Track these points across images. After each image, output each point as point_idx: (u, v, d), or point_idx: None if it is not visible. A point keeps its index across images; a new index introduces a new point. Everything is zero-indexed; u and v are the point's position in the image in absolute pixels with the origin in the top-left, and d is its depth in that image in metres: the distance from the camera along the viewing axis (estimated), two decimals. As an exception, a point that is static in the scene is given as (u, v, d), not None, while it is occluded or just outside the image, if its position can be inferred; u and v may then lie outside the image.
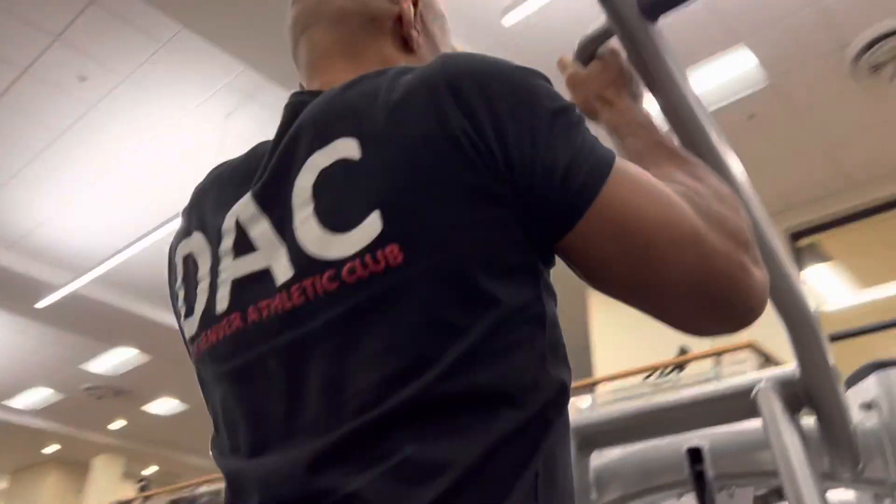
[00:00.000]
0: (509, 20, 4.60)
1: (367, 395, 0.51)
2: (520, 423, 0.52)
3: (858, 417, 0.98)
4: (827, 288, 5.75)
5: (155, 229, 5.89)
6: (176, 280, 0.69)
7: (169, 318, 9.12)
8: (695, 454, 1.08)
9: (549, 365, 0.55)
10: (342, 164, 0.56)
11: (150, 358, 9.86)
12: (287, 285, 0.56)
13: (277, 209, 0.59)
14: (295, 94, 0.68)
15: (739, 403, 0.97)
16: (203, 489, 9.42)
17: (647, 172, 0.58)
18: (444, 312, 0.52)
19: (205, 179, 0.71)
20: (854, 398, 0.99)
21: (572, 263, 0.58)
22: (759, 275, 0.58)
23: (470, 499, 0.49)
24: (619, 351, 5.73)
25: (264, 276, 0.58)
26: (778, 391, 0.94)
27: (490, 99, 0.54)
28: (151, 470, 13.84)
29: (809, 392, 0.92)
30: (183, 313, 0.66)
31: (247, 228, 0.60)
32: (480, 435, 0.51)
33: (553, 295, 0.59)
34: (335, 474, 0.51)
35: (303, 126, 0.61)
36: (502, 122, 0.53)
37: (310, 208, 0.56)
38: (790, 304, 0.87)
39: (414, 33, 0.72)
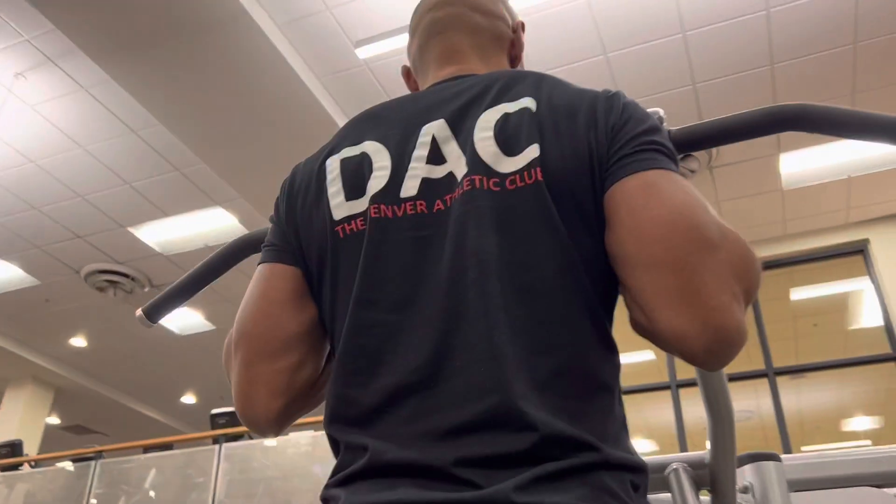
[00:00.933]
0: (363, 53, 4.68)
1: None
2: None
3: (737, 499, 1.18)
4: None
5: None
6: (324, 179, 0.85)
7: None
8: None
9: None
10: (523, 112, 0.79)
11: None
12: (461, 180, 0.76)
13: (464, 133, 0.80)
14: (444, 80, 0.92)
15: (653, 478, 1.13)
16: None
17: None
18: (565, 216, 0.73)
19: (364, 113, 0.91)
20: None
21: (613, 218, 0.74)
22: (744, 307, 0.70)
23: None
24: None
25: (450, 179, 0.78)
26: (688, 472, 1.11)
27: (617, 110, 0.79)
28: None
29: (713, 475, 1.11)
30: (340, 197, 0.82)
31: (441, 144, 0.80)
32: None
33: None
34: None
35: (487, 86, 0.84)
36: (620, 123, 0.77)
37: (490, 133, 0.78)
38: (719, 401, 1.05)
39: (520, 55, 1.02)
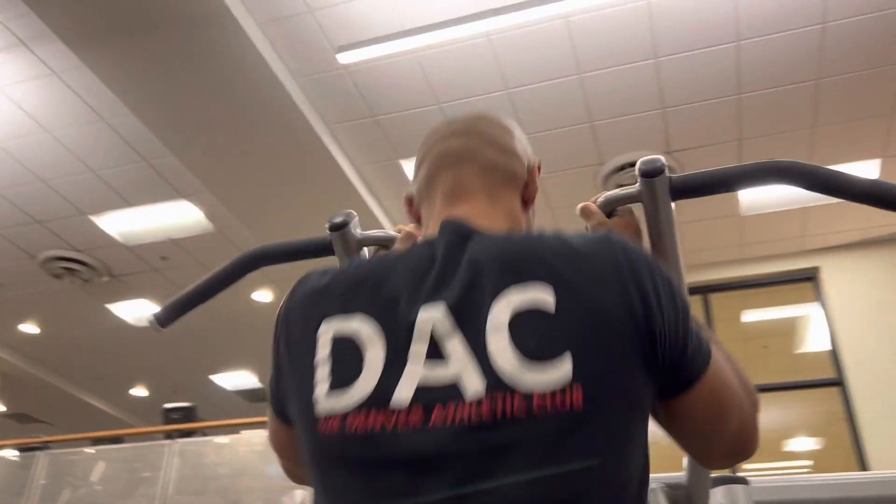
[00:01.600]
0: (344, 58, 4.70)
1: None
2: None
3: (709, 518, 1.26)
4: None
5: None
6: (313, 351, 0.75)
7: None
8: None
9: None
10: (539, 311, 0.68)
11: None
12: (478, 400, 0.66)
13: (472, 328, 0.69)
14: (449, 222, 0.82)
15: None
16: None
17: (718, 352, 0.79)
18: (605, 450, 0.67)
19: (357, 266, 0.81)
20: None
21: (667, 416, 0.77)
22: (756, 426, 0.82)
23: None
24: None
25: (453, 385, 0.67)
26: (666, 492, 1.18)
27: (656, 286, 0.72)
28: None
29: (689, 496, 1.18)
30: (323, 386, 0.73)
31: (441, 340, 0.70)
32: None
33: None
34: None
35: (486, 258, 0.74)
36: (663, 307, 0.72)
37: (505, 337, 0.67)
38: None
39: (534, 197, 0.94)
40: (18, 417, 10.76)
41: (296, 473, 0.92)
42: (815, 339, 6.76)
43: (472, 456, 0.64)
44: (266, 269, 1.29)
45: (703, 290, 6.86)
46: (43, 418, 10.62)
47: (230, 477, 6.86)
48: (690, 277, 6.83)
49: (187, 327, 8.54)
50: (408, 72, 4.91)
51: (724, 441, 0.79)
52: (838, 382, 6.19)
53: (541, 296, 0.69)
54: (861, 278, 6.48)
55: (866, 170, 5.60)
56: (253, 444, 7.02)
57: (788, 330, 7.41)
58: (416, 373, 0.69)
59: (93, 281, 7.46)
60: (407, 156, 5.68)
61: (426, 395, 0.68)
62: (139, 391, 10.51)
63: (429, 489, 0.64)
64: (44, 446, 7.24)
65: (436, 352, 0.70)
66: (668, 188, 0.98)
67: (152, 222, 6.69)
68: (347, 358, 0.73)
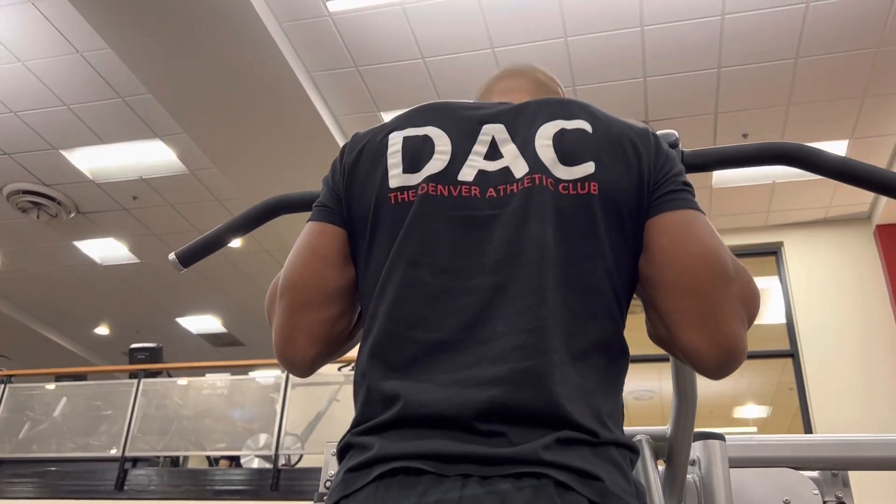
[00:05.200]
0: (334, 5, 4.65)
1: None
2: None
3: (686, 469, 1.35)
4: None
5: None
6: (384, 151, 0.92)
7: None
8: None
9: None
10: (581, 132, 0.89)
11: None
12: (522, 178, 0.86)
13: (524, 138, 0.89)
14: (503, 104, 0.99)
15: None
16: None
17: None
18: (608, 229, 0.84)
19: (430, 104, 0.99)
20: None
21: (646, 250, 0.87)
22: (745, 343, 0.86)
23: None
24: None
25: (505, 173, 0.87)
26: (650, 442, 1.27)
27: (666, 150, 0.93)
28: None
29: (671, 448, 1.27)
30: (398, 169, 0.89)
31: (499, 144, 0.90)
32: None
33: None
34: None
35: (541, 108, 0.93)
36: (668, 161, 0.91)
37: (549, 142, 0.88)
38: (687, 387, 1.21)
39: None
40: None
41: (297, 324, 0.93)
42: (772, 313, 6.99)
43: (514, 213, 0.83)
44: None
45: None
46: (3, 352, 10.52)
47: (194, 419, 6.91)
48: None
49: (154, 269, 8.49)
50: (394, 23, 4.87)
51: (699, 304, 0.80)
52: (791, 354, 6.44)
53: (583, 124, 0.90)
54: (821, 255, 6.70)
55: (834, 149, 5.75)
56: (217, 387, 7.08)
57: (747, 301, 7.63)
58: (476, 164, 0.88)
59: (60, 217, 7.35)
60: (387, 108, 5.66)
61: (484, 179, 0.87)
62: (102, 330, 10.45)
63: (479, 240, 0.83)
64: (5, 380, 7.20)
65: (494, 153, 0.89)
66: (680, 161, 1.04)
67: (124, 161, 6.59)
68: (418, 150, 0.90)
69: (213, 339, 10.40)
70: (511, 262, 0.81)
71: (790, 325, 6.55)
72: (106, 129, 6.18)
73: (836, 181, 1.02)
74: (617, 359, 0.83)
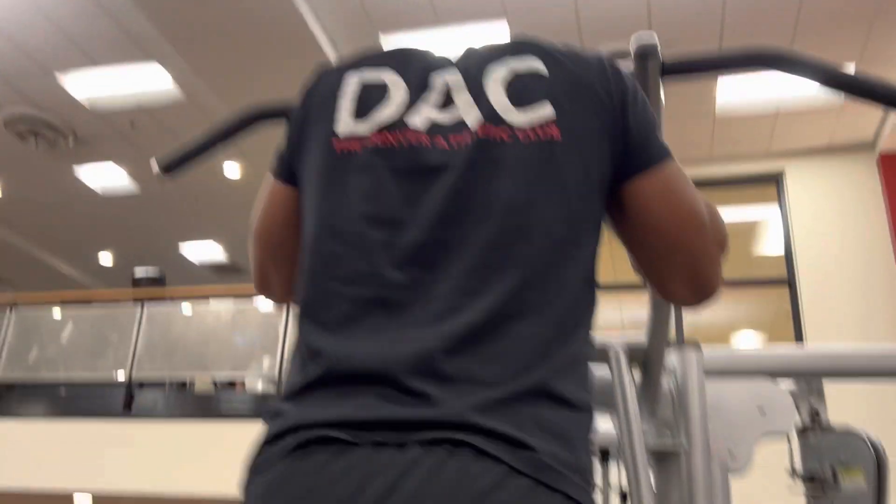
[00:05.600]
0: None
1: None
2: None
3: (662, 378, 1.39)
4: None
5: None
6: (338, 91, 0.88)
7: None
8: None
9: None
10: (531, 73, 0.84)
11: None
12: (475, 128, 0.81)
13: (476, 84, 0.85)
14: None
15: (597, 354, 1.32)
16: None
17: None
18: (573, 176, 0.79)
19: (390, 49, 0.94)
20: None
21: (620, 207, 0.86)
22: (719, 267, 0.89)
23: None
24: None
25: (458, 124, 0.82)
26: (625, 350, 1.30)
27: (634, 88, 0.87)
28: None
29: (647, 356, 1.30)
30: (347, 114, 0.86)
31: (452, 93, 0.85)
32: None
33: None
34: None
35: (491, 51, 0.88)
36: (637, 102, 0.86)
37: (501, 86, 0.83)
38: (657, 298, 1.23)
39: None
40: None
41: (268, 270, 0.97)
42: (772, 243, 7.00)
43: (465, 165, 0.79)
44: (241, 143, 1.34)
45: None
46: (9, 280, 10.64)
47: (198, 344, 7.03)
48: None
49: (157, 196, 8.49)
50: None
51: (683, 260, 0.84)
52: (789, 283, 6.47)
53: (534, 64, 0.84)
54: (823, 184, 6.66)
55: (841, 76, 5.64)
56: (221, 313, 7.17)
57: (748, 232, 7.64)
58: (428, 111, 0.84)
59: (58, 144, 7.31)
60: (386, 30, 5.56)
61: (436, 129, 0.82)
62: (107, 258, 10.53)
63: (427, 194, 0.79)
64: (11, 305, 7.31)
65: (446, 101, 0.84)
66: (659, 65, 1.02)
67: (120, 87, 6.51)
68: (372, 95, 0.86)
69: (215, 268, 10.49)
70: (460, 218, 0.77)
71: (788, 254, 6.56)
72: (100, 51, 6.09)
73: (838, 103, 1.01)
74: (580, 304, 0.79)
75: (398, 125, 0.83)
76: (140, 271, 7.24)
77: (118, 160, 7.81)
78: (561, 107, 0.81)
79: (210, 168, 7.65)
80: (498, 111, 0.81)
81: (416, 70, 0.88)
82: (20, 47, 6.04)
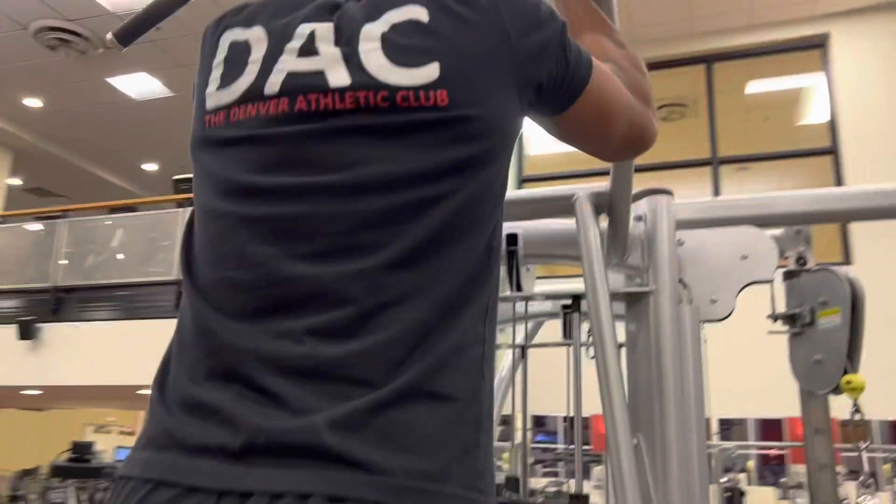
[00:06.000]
0: None
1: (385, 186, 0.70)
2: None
3: (632, 225, 1.39)
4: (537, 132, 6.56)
5: None
6: (213, 57, 0.81)
7: None
8: (511, 238, 1.43)
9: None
10: (413, 22, 0.73)
11: None
12: (341, 90, 0.71)
13: (348, 38, 0.74)
14: None
15: (559, 204, 1.33)
16: None
17: (603, 65, 0.84)
18: (458, 150, 0.71)
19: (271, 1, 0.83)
20: (631, 212, 1.40)
21: (557, 128, 0.85)
22: (654, 120, 0.89)
23: None
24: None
25: (318, 76, 0.72)
26: (591, 198, 1.30)
27: (527, 18, 0.76)
28: None
29: (612, 203, 1.30)
30: (214, 85, 0.78)
31: (316, 40, 0.74)
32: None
33: None
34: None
35: (369, 1, 0.77)
36: (539, 35, 0.76)
37: (377, 43, 0.72)
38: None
39: None
40: (37, 192, 11.15)
41: None
42: (816, 111, 6.73)
43: (333, 139, 0.70)
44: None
45: (707, 59, 6.72)
46: (60, 192, 11.00)
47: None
48: (695, 46, 6.74)
49: (190, 101, 8.54)
50: None
51: (617, 138, 0.86)
52: (832, 151, 6.26)
53: (415, 12, 0.73)
54: (870, 45, 6.31)
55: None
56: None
57: (791, 101, 7.35)
58: (287, 63, 0.74)
59: (88, 53, 7.36)
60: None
61: (293, 82, 0.73)
62: (150, 165, 10.75)
63: (284, 164, 0.71)
64: (63, 215, 7.60)
65: (309, 50, 0.74)
66: None
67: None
68: (237, 59, 0.78)
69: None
70: (316, 195, 0.69)
71: (833, 123, 6.31)
72: (117, -45, 6.02)
73: None
74: (466, 286, 0.71)
75: (255, 93, 0.74)
76: (179, 176, 7.39)
77: (150, 66, 7.84)
78: (447, 60, 0.71)
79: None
80: (373, 73, 0.71)
81: (283, 21, 0.78)
82: (38, -45, 6.00)
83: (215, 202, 0.74)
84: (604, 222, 1.35)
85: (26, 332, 6.66)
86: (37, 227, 7.91)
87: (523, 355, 1.97)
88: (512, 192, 1.44)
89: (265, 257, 0.68)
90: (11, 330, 6.70)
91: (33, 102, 8.76)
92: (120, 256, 7.55)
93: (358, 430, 0.60)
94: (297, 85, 0.72)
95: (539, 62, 0.76)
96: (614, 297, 1.39)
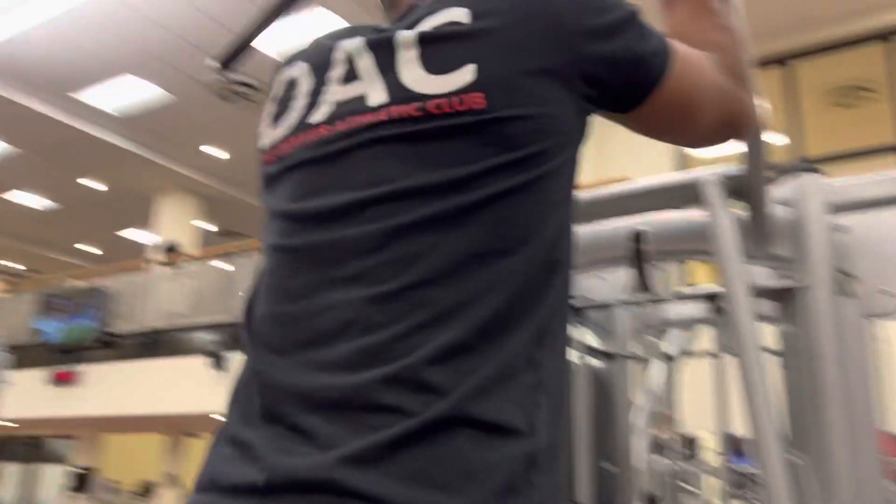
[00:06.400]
0: None
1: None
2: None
3: (776, 210, 1.21)
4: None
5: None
6: (273, 97, 0.79)
7: (44, 108, 8.59)
8: (637, 236, 1.30)
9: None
10: (452, 25, 0.67)
11: (19, 150, 9.32)
12: (377, 108, 0.67)
13: (382, 50, 0.70)
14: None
15: (684, 192, 1.18)
16: (70, 284, 9.46)
17: (688, 50, 0.73)
18: (496, 155, 0.64)
19: (319, 37, 0.81)
20: (775, 196, 1.22)
21: (632, 123, 0.74)
22: (751, 102, 0.77)
23: None
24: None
25: (360, 100, 0.69)
26: (722, 182, 1.14)
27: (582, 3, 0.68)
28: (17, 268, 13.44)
29: (746, 187, 1.13)
30: (268, 123, 0.77)
31: (354, 60, 0.71)
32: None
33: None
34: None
35: (410, 9, 0.75)
36: (588, 22, 0.68)
37: (413, 53, 0.67)
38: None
39: None
40: (229, 235, 12.15)
41: None
42: None
43: (366, 154, 0.66)
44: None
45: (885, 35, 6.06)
46: (251, 234, 11.91)
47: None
48: (870, 21, 6.07)
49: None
50: None
51: (704, 128, 0.75)
52: None
53: (454, 14, 0.68)
54: None
55: None
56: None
57: None
58: (333, 94, 0.71)
59: (260, 101, 7.92)
60: None
61: (340, 111, 0.70)
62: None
63: (323, 188, 0.68)
64: (244, 254, 8.22)
65: (351, 75, 0.71)
66: None
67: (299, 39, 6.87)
68: (287, 95, 0.76)
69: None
70: (351, 211, 0.65)
71: None
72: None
73: None
74: (513, 305, 0.62)
75: (304, 122, 0.72)
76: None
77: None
78: (488, 62, 0.65)
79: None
80: (406, 84, 0.67)
81: (321, 50, 0.76)
82: (214, 20, 6.56)
83: (268, 238, 0.72)
84: (739, 210, 1.18)
85: (218, 363, 7.23)
86: (225, 265, 8.58)
87: (673, 364, 1.79)
88: (628, 184, 1.32)
89: (304, 287, 0.65)
90: (206, 361, 7.29)
91: (218, 152, 9.58)
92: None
93: (379, 464, 0.55)
94: (343, 112, 0.70)
95: (600, 54, 0.67)
96: (761, 294, 1.22)
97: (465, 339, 0.59)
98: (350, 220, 0.65)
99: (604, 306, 1.55)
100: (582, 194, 1.36)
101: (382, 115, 0.66)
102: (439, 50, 0.67)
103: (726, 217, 1.12)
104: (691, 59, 0.72)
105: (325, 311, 0.63)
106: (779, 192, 1.22)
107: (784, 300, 1.21)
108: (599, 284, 1.63)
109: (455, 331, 0.59)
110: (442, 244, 0.62)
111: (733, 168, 1.15)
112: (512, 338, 0.61)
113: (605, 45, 0.67)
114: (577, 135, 0.69)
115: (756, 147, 1.10)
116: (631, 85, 0.69)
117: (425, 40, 0.68)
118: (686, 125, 0.74)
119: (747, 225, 1.18)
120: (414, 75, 0.67)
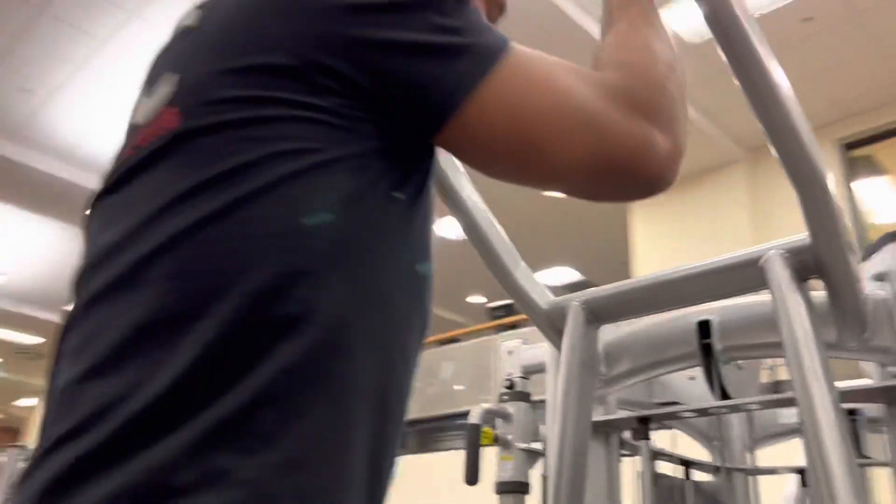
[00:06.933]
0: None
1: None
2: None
3: (870, 288, 0.97)
4: (880, 201, 5.59)
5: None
6: None
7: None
8: (704, 327, 1.09)
9: None
10: (182, 33, 0.60)
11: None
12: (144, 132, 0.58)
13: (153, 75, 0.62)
14: None
15: (747, 273, 0.97)
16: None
17: (544, 61, 0.57)
18: (188, 178, 0.51)
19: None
20: (867, 270, 0.97)
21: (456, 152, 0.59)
22: (667, 146, 0.57)
23: None
24: (662, 262, 5.75)
25: (146, 117, 0.59)
26: (786, 258, 0.92)
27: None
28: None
29: (820, 260, 0.91)
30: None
31: (159, 72, 0.61)
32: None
33: None
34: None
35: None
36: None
37: (168, 69, 0.59)
38: (803, 169, 0.85)
39: None
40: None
41: None
42: None
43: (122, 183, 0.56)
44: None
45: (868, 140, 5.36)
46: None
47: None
48: (846, 131, 5.30)
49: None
50: None
51: (563, 163, 0.55)
52: None
53: (191, 18, 0.60)
54: None
55: None
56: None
57: None
58: (140, 104, 0.62)
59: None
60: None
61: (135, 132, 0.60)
62: (475, 298, 11.39)
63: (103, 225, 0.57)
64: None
65: (151, 86, 0.61)
66: None
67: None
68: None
69: (569, 288, 10.64)
70: (88, 275, 0.55)
71: None
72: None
73: None
74: (232, 345, 0.48)
75: (131, 129, 0.62)
76: (493, 303, 7.68)
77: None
78: (194, 67, 0.55)
79: (529, 192, 7.83)
80: (135, 118, 0.60)
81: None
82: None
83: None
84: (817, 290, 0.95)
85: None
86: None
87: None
88: (677, 267, 1.10)
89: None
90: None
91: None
92: (458, 387, 7.90)
93: None
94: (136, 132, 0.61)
95: (362, 40, 0.52)
96: (866, 395, 0.96)
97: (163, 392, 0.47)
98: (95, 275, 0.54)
99: (671, 416, 1.30)
100: (633, 282, 1.16)
101: (125, 156, 0.58)
102: (159, 64, 0.61)
103: (795, 301, 0.90)
104: (537, 69, 0.55)
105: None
106: (872, 267, 0.98)
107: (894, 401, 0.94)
108: (690, 385, 1.39)
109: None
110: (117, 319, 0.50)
111: (799, 238, 0.93)
112: (238, 384, 0.47)
113: (365, 30, 0.52)
114: (332, 141, 0.52)
115: (824, 208, 0.88)
116: (428, 91, 0.53)
117: (164, 57, 0.62)
118: (527, 157, 0.55)
119: (830, 308, 0.94)
120: (142, 103, 0.60)
